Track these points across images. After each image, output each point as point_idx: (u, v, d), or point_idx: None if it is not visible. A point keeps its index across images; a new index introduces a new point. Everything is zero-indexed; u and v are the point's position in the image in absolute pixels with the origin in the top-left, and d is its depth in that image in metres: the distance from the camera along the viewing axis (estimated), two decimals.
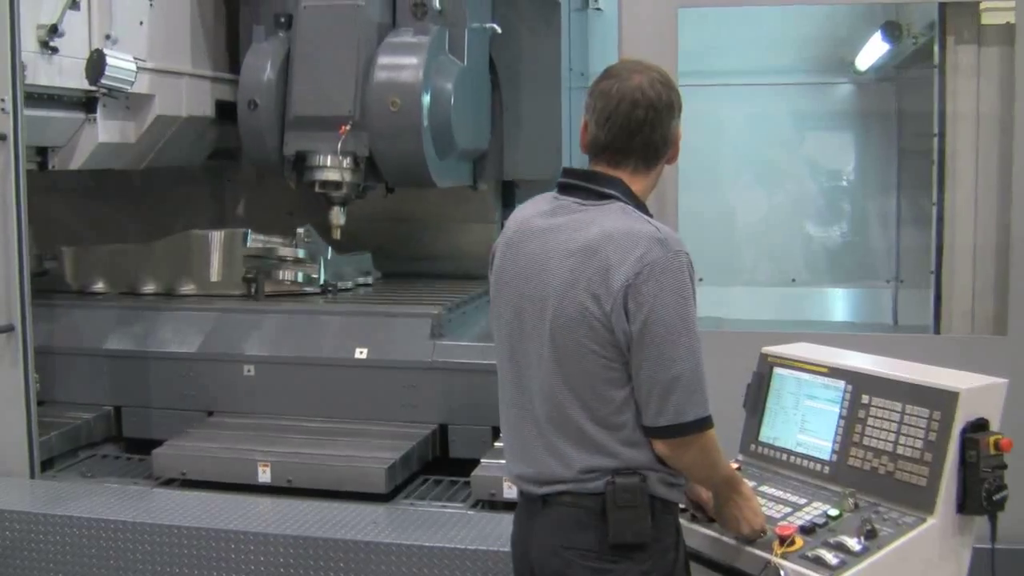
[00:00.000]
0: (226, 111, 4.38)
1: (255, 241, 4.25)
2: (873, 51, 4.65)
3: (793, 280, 5.05)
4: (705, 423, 1.98)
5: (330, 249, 4.32)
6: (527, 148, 4.55)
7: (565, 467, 2.03)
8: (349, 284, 4.46)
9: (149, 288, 4.34)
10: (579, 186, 2.08)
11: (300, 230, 4.17)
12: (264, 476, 3.41)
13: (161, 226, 4.67)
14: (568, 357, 1.99)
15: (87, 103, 3.81)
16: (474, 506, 3.30)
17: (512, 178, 4.70)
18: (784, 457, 2.38)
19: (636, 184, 2.06)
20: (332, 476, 3.37)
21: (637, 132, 2.04)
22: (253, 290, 4.19)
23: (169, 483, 3.53)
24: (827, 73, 4.93)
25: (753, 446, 2.44)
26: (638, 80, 2.04)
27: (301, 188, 4.21)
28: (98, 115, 3.81)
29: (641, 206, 2.05)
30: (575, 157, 4.59)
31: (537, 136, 4.54)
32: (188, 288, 4.29)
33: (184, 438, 3.69)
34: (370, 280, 4.63)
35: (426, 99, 3.98)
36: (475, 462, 3.39)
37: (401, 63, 3.98)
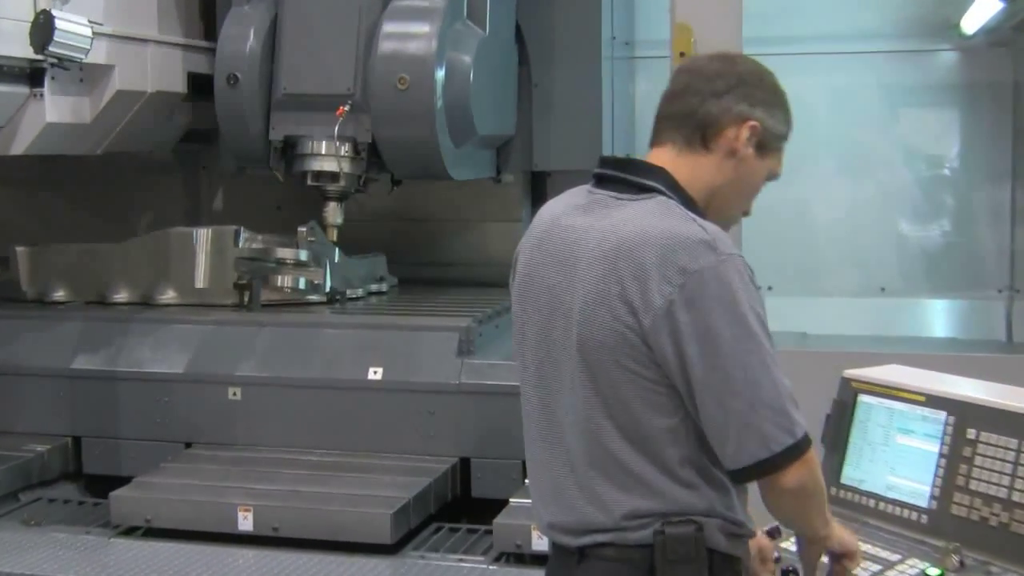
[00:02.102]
0: (201, 86, 4.39)
1: (249, 241, 4.26)
2: (984, 10, 4.59)
3: (883, 289, 5.03)
4: (797, 449, 1.96)
5: (337, 251, 4.34)
6: (561, 133, 4.55)
7: (605, 513, 2.02)
8: (360, 292, 4.48)
9: (121, 296, 4.37)
10: (615, 177, 2.08)
11: (302, 228, 4.17)
12: (245, 523, 3.38)
13: (124, 223, 4.71)
14: (604, 380, 2.00)
15: (32, 75, 3.78)
16: (497, 559, 3.28)
17: (542, 169, 4.70)
18: (872, 503, 2.37)
19: (681, 171, 2.07)
20: (326, 523, 3.36)
21: (677, 99, 2.09)
22: (246, 299, 4.20)
23: (131, 532, 3.51)
24: (926, 38, 4.92)
25: (834, 489, 2.42)
26: (700, 56, 2.16)
27: (291, 180, 4.22)
28: (45, 90, 3.79)
29: (688, 201, 2.06)
30: (618, 142, 4.69)
31: (573, 118, 4.52)
32: (168, 296, 4.31)
33: (154, 475, 3.71)
34: (385, 287, 4.65)
35: (440, 75, 3.99)
36: (501, 503, 3.40)
37: (410, 31, 3.99)
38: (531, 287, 2.12)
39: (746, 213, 2.22)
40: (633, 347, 1.96)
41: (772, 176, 2.17)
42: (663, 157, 2.09)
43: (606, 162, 2.13)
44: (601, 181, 2.12)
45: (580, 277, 2.02)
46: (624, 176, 2.07)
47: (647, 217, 2.00)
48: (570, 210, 2.11)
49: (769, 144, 2.12)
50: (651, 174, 2.06)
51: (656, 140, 2.12)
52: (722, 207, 2.10)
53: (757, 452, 1.94)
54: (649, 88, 5.03)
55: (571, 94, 4.53)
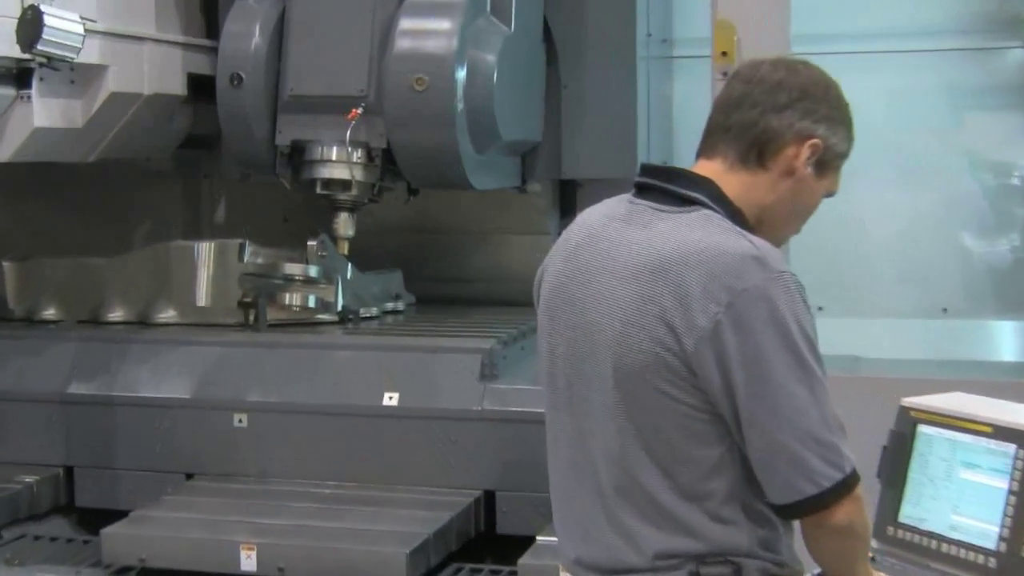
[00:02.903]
0: (202, 88, 4.40)
1: (254, 255, 4.27)
2: None
3: (944, 310, 5.00)
4: (846, 485, 1.96)
5: (350, 266, 4.35)
6: (592, 138, 4.53)
7: (636, 551, 2.02)
8: (374, 311, 4.48)
9: (116, 315, 4.39)
10: (657, 187, 2.09)
11: (311, 241, 4.16)
12: (248, 562, 3.37)
13: (119, 236, 4.72)
14: (639, 406, 2.00)
15: (19, 76, 3.79)
16: None
17: (572, 177, 4.70)
18: (933, 545, 2.35)
19: (731, 187, 2.07)
20: (336, 562, 3.34)
21: (733, 109, 2.09)
22: (251, 318, 4.22)
23: (123, 572, 3.51)
24: (993, 34, 4.89)
25: (891, 529, 2.41)
26: (759, 61, 2.14)
27: (299, 188, 4.23)
28: (33, 92, 3.79)
29: (735, 215, 2.06)
30: (655, 149, 4.70)
31: (605, 123, 4.51)
32: (167, 315, 4.33)
33: (151, 508, 3.71)
34: (401, 306, 4.67)
35: (461, 75, 3.99)
36: (528, 541, 3.38)
37: (429, 27, 3.98)
38: (560, 302, 2.13)
39: (796, 232, 2.23)
40: (673, 371, 1.96)
41: (830, 195, 2.17)
42: (712, 170, 2.10)
43: (647, 170, 2.14)
44: (642, 191, 2.12)
45: (614, 295, 2.02)
46: (666, 186, 2.09)
47: (689, 231, 2.00)
48: (607, 221, 2.12)
49: (829, 163, 2.13)
50: (696, 185, 2.07)
51: (705, 152, 2.13)
52: (773, 228, 2.10)
53: (804, 488, 1.95)
54: (688, 90, 5.02)
55: (603, 96, 4.52)
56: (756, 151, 2.08)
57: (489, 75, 4.05)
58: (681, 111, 5.04)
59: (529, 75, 4.45)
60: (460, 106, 3.98)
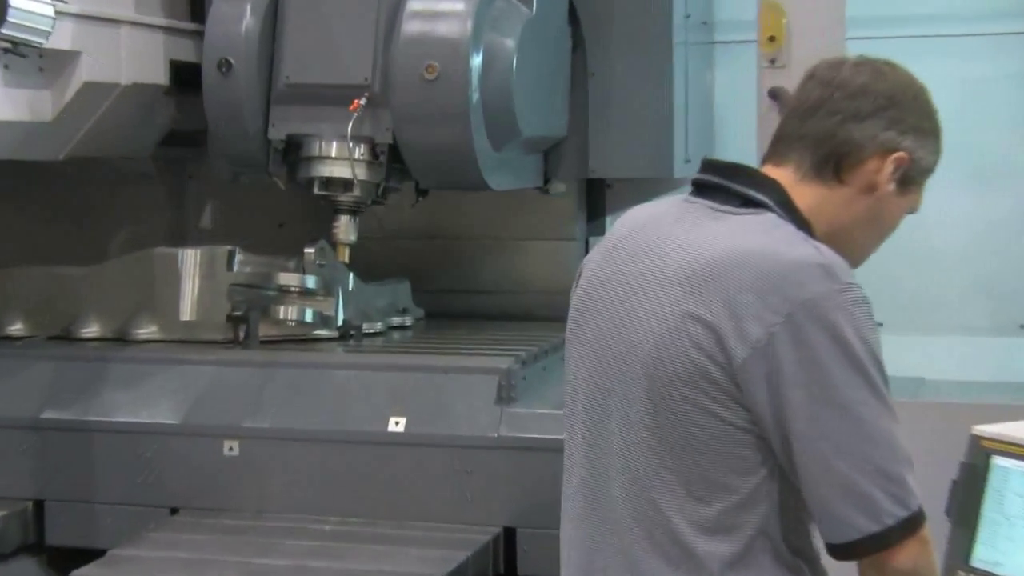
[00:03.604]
0: (186, 77, 4.38)
1: (245, 264, 4.28)
2: None
3: (1022, 327, 5.00)
4: (911, 524, 1.97)
5: (352, 276, 4.35)
6: (623, 133, 4.53)
7: None
8: (378, 326, 4.48)
9: (91, 331, 4.38)
10: (718, 185, 2.10)
11: (309, 248, 4.17)
12: None
13: (94, 243, 4.71)
14: (670, 420, 2.00)
15: None
16: None
17: (601, 176, 4.69)
18: None
19: (802, 198, 2.08)
20: None
21: (809, 116, 2.11)
22: (242, 334, 4.22)
23: None
24: None
25: (962, 574, 2.39)
26: (839, 60, 2.16)
27: (295, 189, 4.21)
28: None
29: (802, 227, 2.06)
30: (693, 144, 4.68)
31: (638, 115, 4.50)
32: (148, 331, 4.33)
33: (130, 547, 3.69)
34: (408, 320, 4.66)
35: (476, 62, 3.98)
36: None
37: (440, 9, 3.97)
38: (591, 304, 2.15)
39: (868, 255, 2.23)
40: (714, 383, 1.97)
41: (912, 212, 2.20)
42: (781, 177, 2.11)
43: (708, 166, 2.16)
44: (701, 190, 2.13)
45: (655, 298, 2.03)
46: (728, 184, 2.10)
47: (746, 234, 2.01)
48: (654, 219, 2.15)
49: (914, 179, 2.15)
50: (762, 187, 2.08)
51: (774, 158, 2.14)
52: (847, 249, 2.08)
53: (866, 526, 1.94)
54: (731, 79, 5.01)
55: (636, 85, 4.50)
56: (833, 163, 2.09)
57: (508, 62, 4.04)
58: (723, 102, 5.04)
59: (553, 62, 4.42)
60: (475, 97, 3.95)
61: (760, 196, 2.06)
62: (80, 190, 5.03)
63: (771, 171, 2.12)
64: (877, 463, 1.93)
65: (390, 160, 4.08)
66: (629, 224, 2.19)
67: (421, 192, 4.32)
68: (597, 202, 4.84)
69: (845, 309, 1.93)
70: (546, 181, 4.64)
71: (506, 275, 4.87)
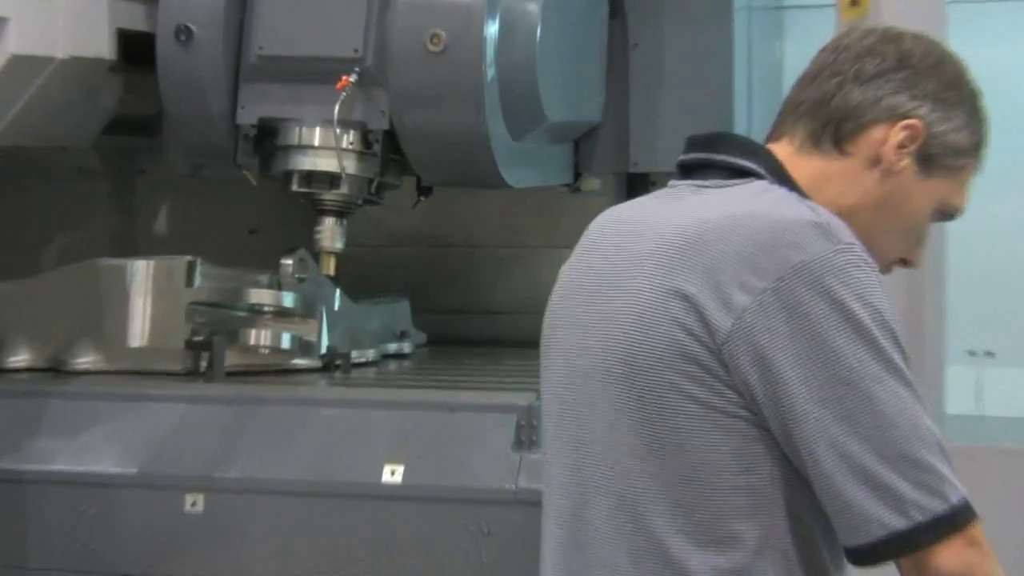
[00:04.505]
0: (137, 50, 4.39)
1: (209, 278, 4.29)
2: None
3: None
4: (952, 520, 1.96)
5: (339, 293, 4.36)
6: (672, 117, 4.53)
7: None
8: (371, 354, 4.49)
9: (20, 359, 4.38)
10: (702, 161, 2.18)
11: (287, 260, 4.19)
12: None
13: (25, 252, 4.72)
14: (653, 412, 2.03)
15: None
16: None
17: (645, 170, 4.66)
18: None
19: (797, 168, 2.15)
20: None
21: (810, 82, 2.19)
22: (205, 365, 4.21)
23: None
24: None
25: None
26: (859, 28, 2.27)
27: (268, 185, 4.22)
28: None
29: (794, 188, 2.11)
30: (757, 128, 4.67)
31: (690, 95, 4.52)
32: (90, 360, 4.32)
33: None
34: (407, 347, 4.67)
35: (492, 31, 3.98)
36: None
37: None
38: (564, 302, 2.23)
39: (907, 262, 2.26)
40: (698, 364, 2.00)
41: (947, 210, 2.23)
42: (776, 151, 2.17)
43: (690, 143, 2.22)
44: (688, 170, 2.21)
45: (629, 275, 2.09)
46: (711, 157, 2.17)
47: (733, 201, 2.08)
48: (639, 204, 2.26)
49: (940, 159, 2.17)
50: (750, 154, 2.15)
51: (772, 135, 2.22)
52: (862, 239, 2.07)
53: (891, 521, 1.94)
54: (804, 51, 4.93)
55: (687, 59, 4.52)
56: (832, 130, 2.15)
57: (531, 31, 4.04)
58: (793, 79, 5.06)
59: (586, 31, 4.44)
60: (491, 73, 3.94)
61: (748, 163, 2.13)
62: (7, 188, 5.04)
63: (768, 143, 2.21)
64: (901, 448, 1.94)
65: (386, 150, 4.08)
66: (605, 220, 2.26)
67: (424, 190, 4.32)
68: None
69: (845, 271, 1.96)
70: (577, 177, 4.67)
71: (527, 292, 4.68)
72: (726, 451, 2.01)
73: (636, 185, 4.79)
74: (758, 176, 2.12)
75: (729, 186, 2.12)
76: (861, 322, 1.95)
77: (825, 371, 1.95)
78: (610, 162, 4.65)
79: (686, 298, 1.99)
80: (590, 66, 4.51)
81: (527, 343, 4.56)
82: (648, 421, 2.04)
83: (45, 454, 3.99)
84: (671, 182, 2.23)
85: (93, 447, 3.98)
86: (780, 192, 2.09)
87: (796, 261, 1.96)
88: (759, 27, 4.82)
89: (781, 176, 2.13)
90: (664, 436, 2.03)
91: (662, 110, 4.58)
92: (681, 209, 2.11)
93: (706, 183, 2.15)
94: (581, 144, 4.63)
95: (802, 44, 4.88)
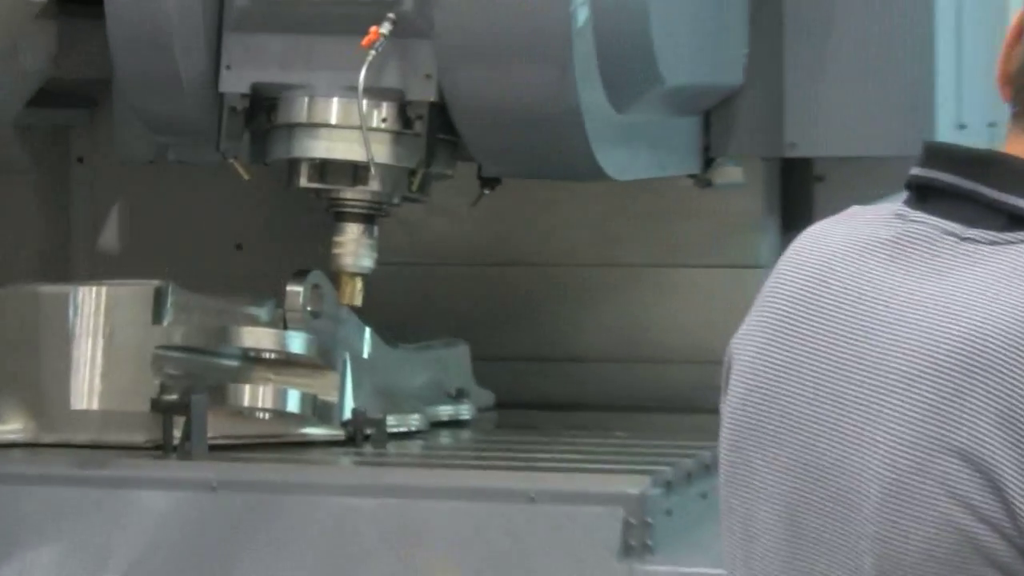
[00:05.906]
0: None
1: (183, 310, 4.32)
2: None
3: None
4: None
5: (369, 333, 4.42)
6: (845, 84, 4.57)
7: None
8: (415, 421, 4.50)
9: None
10: (957, 189, 1.97)
11: (295, 287, 4.18)
12: None
13: None
14: None
15: None
16: None
17: (807, 154, 4.71)
18: None
19: None
20: None
21: None
22: (180, 435, 4.18)
23: None
24: None
25: None
26: None
27: (264, 178, 4.30)
28: None
29: None
30: (970, 104, 4.72)
31: (873, 55, 4.54)
32: (17, 429, 4.34)
33: None
34: (466, 411, 4.68)
35: None
36: None
37: None
38: (760, 423, 2.06)
39: None
40: (997, 565, 1.82)
41: None
42: None
43: (936, 155, 1.98)
44: (925, 194, 1.98)
45: (877, 413, 1.92)
46: (976, 189, 1.96)
47: None
48: (854, 252, 2.04)
49: None
50: None
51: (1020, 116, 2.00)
52: None
53: None
54: None
55: (870, 4, 4.54)
56: None
57: None
58: None
59: None
60: (583, 16, 3.94)
61: None
62: None
63: (1017, 141, 1.99)
64: None
65: (433, 129, 4.11)
66: (808, 263, 2.07)
67: (487, 183, 4.32)
68: (799, 200, 4.92)
69: None
70: (708, 164, 4.63)
71: (635, 330, 4.90)
72: None
73: (793, 176, 4.86)
74: None
75: (1011, 244, 1.96)
76: None
77: None
78: (756, 143, 4.66)
79: (971, 461, 1.82)
80: (724, 13, 4.54)
81: (637, 406, 4.97)
82: None
83: None
84: (900, 208, 2.04)
85: (23, 551, 4.06)
86: None
87: None
88: None
89: None
90: None
91: (829, 75, 4.61)
92: (944, 286, 1.93)
93: (969, 233, 1.97)
94: (714, 118, 4.64)
95: None
